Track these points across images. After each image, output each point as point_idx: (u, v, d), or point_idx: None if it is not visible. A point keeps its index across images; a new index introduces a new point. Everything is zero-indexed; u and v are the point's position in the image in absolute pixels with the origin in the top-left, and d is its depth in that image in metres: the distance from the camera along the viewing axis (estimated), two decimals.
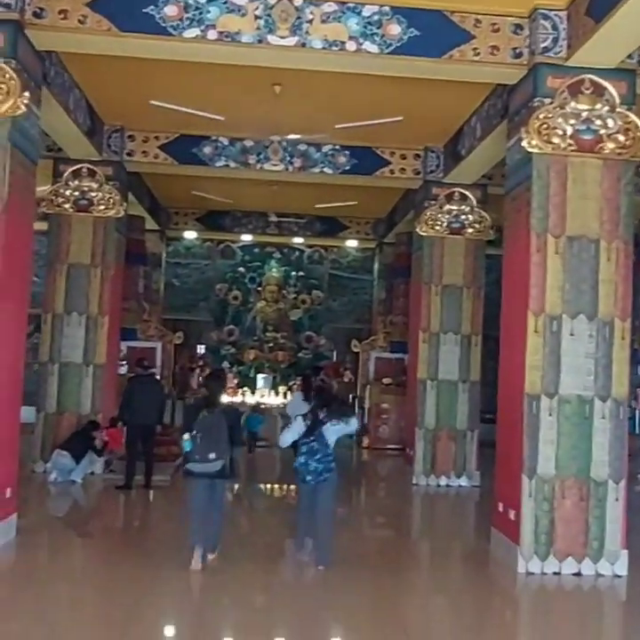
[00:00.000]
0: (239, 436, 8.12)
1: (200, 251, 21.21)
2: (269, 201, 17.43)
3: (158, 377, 16.80)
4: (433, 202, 13.13)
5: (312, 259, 21.37)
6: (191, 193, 17.55)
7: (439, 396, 13.07)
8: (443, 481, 13.02)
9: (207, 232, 20.26)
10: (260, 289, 20.86)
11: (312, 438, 7.54)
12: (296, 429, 7.73)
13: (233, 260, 21.20)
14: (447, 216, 13.11)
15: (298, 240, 20.57)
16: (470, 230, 13.12)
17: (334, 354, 20.57)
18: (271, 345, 20.32)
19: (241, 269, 20.89)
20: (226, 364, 19.21)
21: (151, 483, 11.82)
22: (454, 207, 13.10)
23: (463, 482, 13.04)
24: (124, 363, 17.31)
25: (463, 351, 13.09)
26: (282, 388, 18.58)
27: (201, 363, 18.83)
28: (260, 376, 18.95)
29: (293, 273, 20.99)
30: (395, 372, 18.60)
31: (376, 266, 20.71)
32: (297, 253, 21.29)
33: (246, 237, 20.47)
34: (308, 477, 7.56)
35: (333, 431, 7.64)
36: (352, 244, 20.72)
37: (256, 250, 21.14)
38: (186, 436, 7.39)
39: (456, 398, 13.08)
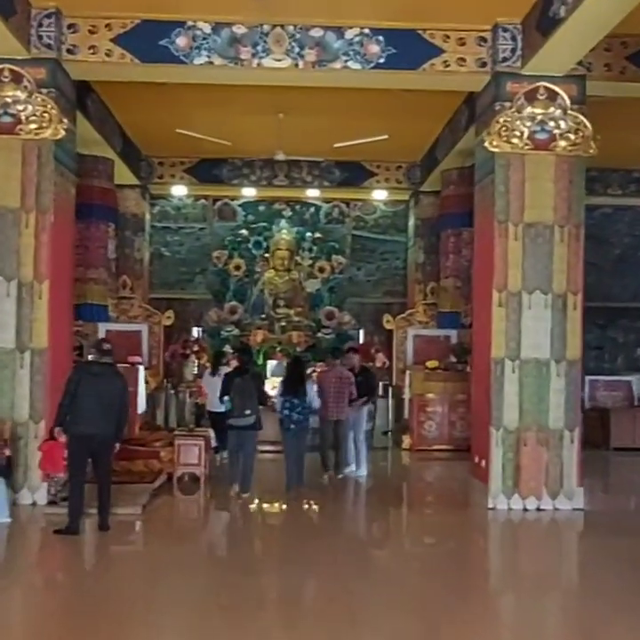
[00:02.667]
0: (264, 396, 10.15)
1: (193, 211, 17.30)
2: (275, 139, 13.49)
3: (142, 366, 13.13)
4: (507, 104, 9.20)
5: (331, 216, 17.40)
6: (175, 131, 13.67)
7: (523, 382, 9.15)
8: (531, 503, 9.12)
9: (200, 186, 16.36)
10: (267, 256, 16.82)
11: (292, 396, 9.91)
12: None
13: (233, 221, 17.24)
14: (529, 123, 9.18)
15: (312, 193, 16.59)
16: (563, 143, 9.18)
17: (361, 333, 16.61)
18: (283, 324, 16.31)
19: (243, 232, 16.87)
20: (228, 349, 15.31)
21: (109, 522, 7.95)
22: (539, 110, 9.17)
23: (561, 504, 9.14)
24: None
25: (556, 318, 9.17)
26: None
27: (196, 348, 14.97)
28: (270, 362, 15.05)
29: (308, 234, 16.93)
30: (440, 352, 14.79)
31: (411, 222, 16.73)
32: (312, 210, 17.30)
33: (249, 192, 16.56)
34: (292, 426, 9.89)
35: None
36: (380, 195, 16.73)
37: (261, 207, 17.18)
38: (226, 397, 9.65)
39: (547, 385, 9.16)
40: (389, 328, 15.71)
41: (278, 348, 15.59)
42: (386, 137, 13.69)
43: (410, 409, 14.06)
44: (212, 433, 11.26)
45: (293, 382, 10.05)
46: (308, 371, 14.72)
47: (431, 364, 14.14)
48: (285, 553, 7.64)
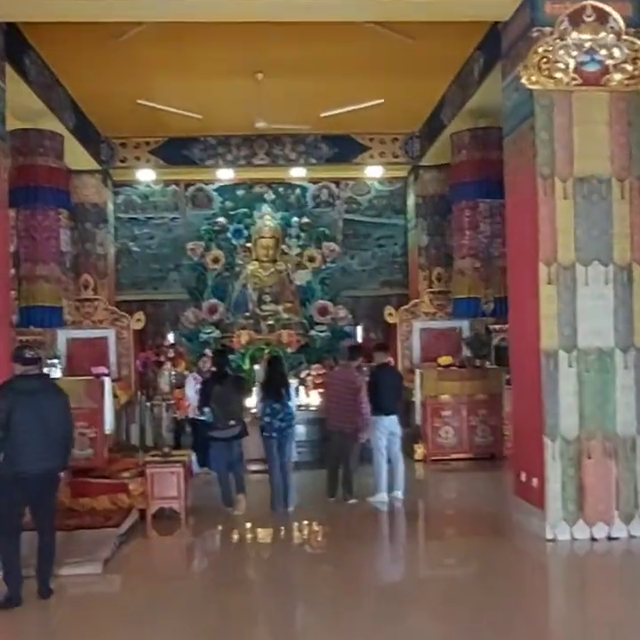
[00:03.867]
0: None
1: (162, 199, 15.29)
2: (253, 107, 11.54)
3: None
4: (547, 29, 7.31)
5: (319, 199, 15.44)
6: (136, 103, 11.72)
7: (582, 378, 7.26)
8: (600, 531, 7.23)
9: (169, 170, 14.38)
10: (249, 245, 14.81)
11: (273, 400, 8.84)
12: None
13: (209, 208, 15.23)
14: (575, 53, 7.30)
15: (297, 172, 14.64)
16: (618, 76, 7.30)
17: (359, 329, 14.63)
18: (271, 322, 14.31)
19: (221, 220, 14.82)
20: (208, 353, 13.33)
21: (50, 587, 5.96)
22: (587, 36, 7.30)
23: (637, 530, 7.24)
24: (56, 362, 11.60)
25: (621, 295, 7.29)
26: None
27: (171, 354, 12.96)
28: (257, 367, 13.07)
29: (294, 219, 14.89)
30: (452, 347, 13.00)
31: (411, 201, 14.83)
32: (297, 192, 15.32)
33: (225, 174, 14.58)
34: (274, 434, 8.83)
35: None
36: (374, 172, 14.80)
37: (240, 191, 15.18)
38: (206, 409, 8.86)
39: (613, 381, 7.27)
40: (392, 322, 13.80)
41: (266, 350, 13.59)
42: (381, 102, 11.83)
43: (422, 413, 12.12)
44: (193, 455, 9.32)
45: (275, 385, 9.01)
46: (303, 374, 12.95)
47: (444, 360, 12.22)
48: (297, 609, 5.74)
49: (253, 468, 10.72)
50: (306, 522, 8.68)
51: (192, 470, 8.99)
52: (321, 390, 12.38)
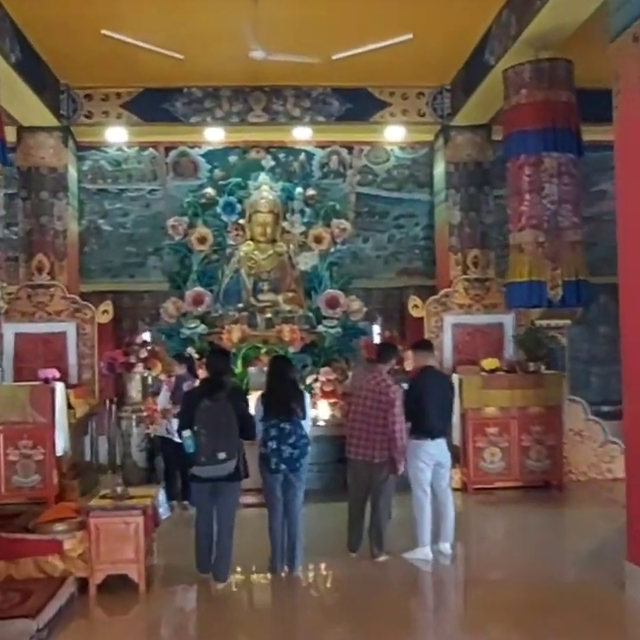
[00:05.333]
0: (251, 427, 6.26)
1: (138, 166, 12.65)
2: (248, 40, 8.97)
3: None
4: None
5: (327, 167, 12.81)
6: (100, 34, 9.17)
7: None
8: None
9: (146, 127, 11.71)
10: (243, 222, 12.17)
11: (280, 418, 6.35)
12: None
13: (194, 177, 12.62)
14: None
15: (302, 133, 12.00)
16: None
17: (376, 326, 12.01)
18: (269, 316, 11.59)
19: (209, 191, 12.13)
20: (191, 352, 10.75)
21: None
22: None
23: None
24: None
25: None
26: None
27: (144, 354, 10.39)
28: (251, 369, 10.47)
29: (298, 191, 12.20)
30: (491, 346, 10.74)
31: (439, 169, 12.22)
32: (302, 158, 12.66)
33: (214, 134, 11.97)
34: (282, 466, 6.31)
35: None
36: (395, 134, 12.17)
37: (232, 157, 12.51)
38: (186, 432, 6.09)
39: None
40: (417, 316, 11.28)
41: (263, 350, 10.98)
42: (409, 37, 9.33)
43: (462, 430, 9.63)
44: (161, 494, 6.71)
45: (282, 396, 6.48)
46: (309, 380, 10.42)
47: (489, 363, 9.71)
48: None
49: (247, 500, 8.16)
50: (318, 594, 6.17)
51: (158, 517, 6.38)
52: (334, 400, 9.98)
